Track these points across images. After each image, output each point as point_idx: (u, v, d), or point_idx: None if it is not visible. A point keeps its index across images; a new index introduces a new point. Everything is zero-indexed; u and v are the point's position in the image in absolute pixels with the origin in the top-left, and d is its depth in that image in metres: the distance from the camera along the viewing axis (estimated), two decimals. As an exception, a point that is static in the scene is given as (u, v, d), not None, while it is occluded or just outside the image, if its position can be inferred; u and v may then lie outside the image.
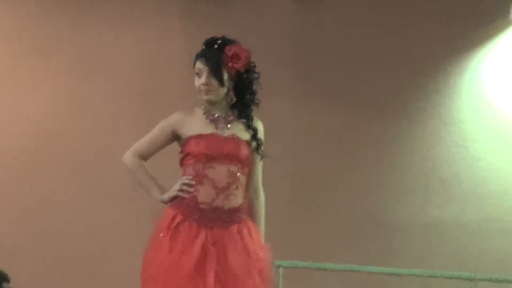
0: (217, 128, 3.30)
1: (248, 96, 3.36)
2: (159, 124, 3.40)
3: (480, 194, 6.26)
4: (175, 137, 3.35)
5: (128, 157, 3.41)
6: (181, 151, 3.34)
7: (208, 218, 3.23)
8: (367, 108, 6.48)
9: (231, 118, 3.35)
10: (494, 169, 6.42)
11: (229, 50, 3.25)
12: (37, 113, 6.47)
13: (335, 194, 6.40)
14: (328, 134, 6.46)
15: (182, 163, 3.35)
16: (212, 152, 3.24)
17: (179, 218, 3.22)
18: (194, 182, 3.23)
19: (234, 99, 3.34)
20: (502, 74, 6.68)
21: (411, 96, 6.58)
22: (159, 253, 3.19)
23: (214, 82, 3.24)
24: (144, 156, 3.40)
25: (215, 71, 3.24)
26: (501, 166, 6.39)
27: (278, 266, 5.61)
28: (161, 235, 3.23)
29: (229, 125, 3.34)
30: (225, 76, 3.27)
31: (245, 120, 3.33)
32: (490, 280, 6.00)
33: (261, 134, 3.40)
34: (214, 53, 3.24)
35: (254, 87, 3.36)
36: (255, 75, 3.34)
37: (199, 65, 3.27)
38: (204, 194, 3.23)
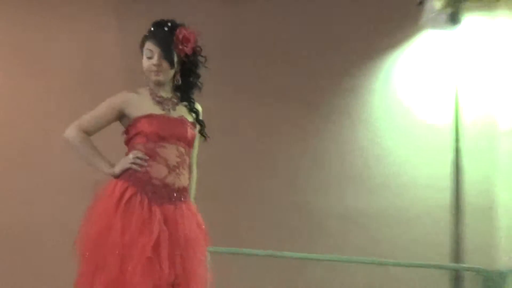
0: (163, 110, 3.33)
1: (192, 79, 3.42)
2: (104, 102, 3.37)
3: (391, 186, 6.61)
4: (120, 116, 3.35)
5: (72, 132, 3.33)
6: (128, 131, 3.35)
7: (160, 194, 3.23)
8: (289, 105, 6.70)
9: (176, 100, 3.39)
10: (403, 163, 6.74)
11: (180, 33, 3.28)
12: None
13: (258, 185, 6.57)
14: (253, 129, 6.65)
15: (129, 141, 3.36)
16: (163, 132, 3.25)
17: (131, 190, 3.20)
18: (147, 157, 3.24)
19: (180, 82, 3.37)
20: (412, 76, 6.88)
21: (328, 95, 6.79)
22: (110, 233, 3.15)
23: (165, 64, 3.27)
24: (88, 133, 3.35)
25: (167, 53, 3.26)
26: (410, 160, 6.71)
27: (202, 251, 5.84)
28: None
29: (176, 107, 3.38)
30: (175, 58, 3.31)
31: (187, 103, 3.39)
32: (399, 264, 6.39)
33: (201, 116, 3.47)
34: (166, 35, 3.27)
35: (198, 70, 3.42)
36: (201, 59, 3.40)
37: (150, 46, 3.28)
38: (157, 170, 3.24)
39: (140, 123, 3.27)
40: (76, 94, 6.48)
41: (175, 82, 3.39)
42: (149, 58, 3.29)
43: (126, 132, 3.38)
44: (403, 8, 6.72)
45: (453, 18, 6.43)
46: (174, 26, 3.31)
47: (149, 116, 3.27)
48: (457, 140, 6.62)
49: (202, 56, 3.40)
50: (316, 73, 6.74)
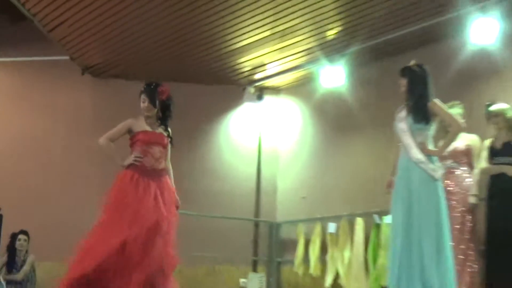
0: (152, 128, 5.16)
1: (167, 113, 5.22)
2: (120, 125, 5.15)
3: (223, 181, 9.62)
4: (128, 131, 5.10)
5: (104, 140, 5.09)
6: (132, 138, 5.10)
7: (152, 174, 5.01)
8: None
9: (158, 124, 5.19)
10: (234, 170, 9.68)
11: (160, 89, 5.13)
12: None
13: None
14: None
15: (132, 145, 5.11)
16: (151, 140, 5.10)
17: (136, 175, 4.93)
18: (143, 156, 5.01)
19: (160, 115, 5.23)
20: (238, 126, 9.89)
21: (188, 139, 9.16)
22: (125, 196, 4.81)
23: (151, 106, 5.14)
24: (112, 140, 5.10)
25: (152, 100, 5.13)
26: (238, 167, 9.68)
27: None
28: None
29: (158, 128, 5.20)
30: (157, 103, 5.12)
31: (164, 127, 5.20)
32: (224, 217, 9.13)
33: (171, 134, 5.21)
34: (152, 90, 5.13)
35: (171, 108, 5.23)
36: (171, 102, 5.21)
37: (144, 96, 5.12)
38: (148, 161, 5.04)
39: (139, 134, 5.04)
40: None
41: (158, 115, 5.19)
42: (143, 103, 5.11)
43: (131, 139, 5.13)
44: (235, 91, 9.88)
45: (259, 97, 9.98)
46: (156, 85, 5.12)
47: (144, 131, 5.08)
48: (259, 155, 9.94)
49: (171, 100, 5.18)
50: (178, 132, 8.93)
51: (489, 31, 7.39)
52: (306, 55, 8.77)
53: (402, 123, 5.40)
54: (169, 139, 5.22)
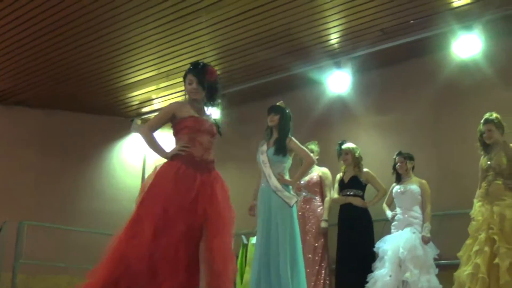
0: (199, 114, 4.23)
1: (215, 97, 4.34)
2: (161, 111, 4.33)
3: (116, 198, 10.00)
4: (172, 117, 4.20)
5: (145, 131, 4.26)
6: (177, 125, 4.19)
7: (200, 166, 4.06)
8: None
9: (204, 109, 4.31)
10: (127, 185, 9.68)
11: (208, 69, 4.25)
12: None
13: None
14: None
15: (177, 132, 4.20)
16: (201, 127, 4.16)
17: (183, 167, 4.01)
18: (189, 146, 4.07)
19: (206, 100, 4.34)
20: (129, 156, 9.98)
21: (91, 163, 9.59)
22: (166, 191, 3.89)
23: (200, 88, 4.23)
24: (152, 129, 4.24)
25: (201, 81, 4.21)
26: (129, 182, 9.69)
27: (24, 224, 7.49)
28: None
29: (205, 114, 4.30)
30: (205, 85, 4.22)
31: (209, 114, 4.35)
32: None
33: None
34: (200, 70, 4.24)
35: (219, 92, 4.37)
36: (219, 85, 4.36)
37: (191, 77, 4.25)
38: (197, 151, 4.10)
39: (185, 121, 4.13)
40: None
41: (204, 99, 4.32)
42: (189, 84, 4.24)
43: (175, 126, 4.20)
44: (124, 122, 9.90)
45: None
46: (204, 65, 4.27)
47: (192, 117, 4.16)
48: (143, 178, 9.83)
49: (219, 83, 4.35)
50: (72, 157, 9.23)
51: (343, 83, 7.96)
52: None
53: (264, 155, 5.69)
54: (217, 128, 4.38)
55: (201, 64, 4.31)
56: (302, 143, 6.06)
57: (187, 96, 4.37)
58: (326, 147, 7.67)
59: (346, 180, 7.16)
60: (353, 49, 7.60)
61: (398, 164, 6.89)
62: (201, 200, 3.95)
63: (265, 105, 5.94)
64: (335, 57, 7.79)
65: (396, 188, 6.89)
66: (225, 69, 8.18)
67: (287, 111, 5.87)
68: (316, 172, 7.22)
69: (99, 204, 9.46)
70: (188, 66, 7.38)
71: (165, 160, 4.24)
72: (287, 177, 5.75)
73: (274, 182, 5.56)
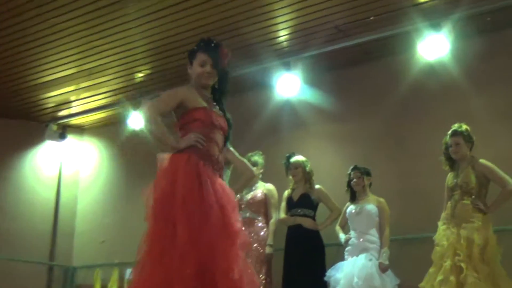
0: (209, 106, 3.87)
1: (225, 85, 3.99)
2: (166, 94, 3.85)
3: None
4: (178, 105, 3.80)
5: (150, 113, 3.73)
6: (185, 116, 3.81)
7: (216, 168, 3.79)
8: None
9: (211, 100, 3.94)
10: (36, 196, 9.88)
11: (223, 49, 3.92)
12: None
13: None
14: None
15: (186, 125, 3.81)
16: (215, 122, 3.82)
17: (201, 163, 3.66)
18: (205, 139, 3.71)
19: (217, 86, 3.97)
20: (41, 167, 9.98)
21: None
22: (186, 191, 3.52)
23: (214, 72, 3.87)
24: (160, 114, 3.77)
25: (217, 63, 3.85)
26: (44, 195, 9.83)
27: None
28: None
29: (213, 106, 3.94)
30: (220, 69, 3.88)
31: (218, 106, 3.96)
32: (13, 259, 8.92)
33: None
34: (215, 49, 3.87)
35: (228, 80, 4.00)
36: (229, 71, 3.99)
37: (204, 57, 3.85)
38: (213, 150, 3.80)
39: (197, 112, 3.78)
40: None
41: (215, 86, 3.96)
42: (201, 66, 3.85)
43: (182, 117, 3.83)
44: (36, 127, 9.84)
45: (62, 136, 10.00)
46: (218, 43, 3.91)
47: (205, 109, 3.80)
48: (57, 196, 10.01)
49: (229, 70, 3.98)
50: None
51: (293, 86, 8.03)
52: (114, 95, 8.94)
53: None
54: (229, 125, 4.04)
55: (214, 41, 3.96)
56: (244, 154, 6.00)
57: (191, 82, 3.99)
58: (272, 159, 7.60)
59: (295, 198, 7.12)
60: (304, 48, 7.61)
61: (354, 180, 6.89)
62: (219, 204, 3.67)
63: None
64: (284, 57, 7.80)
65: (351, 208, 6.89)
66: (158, 68, 8.17)
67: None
68: (260, 189, 7.17)
69: (5, 223, 9.34)
70: (114, 63, 7.93)
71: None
72: None
73: None
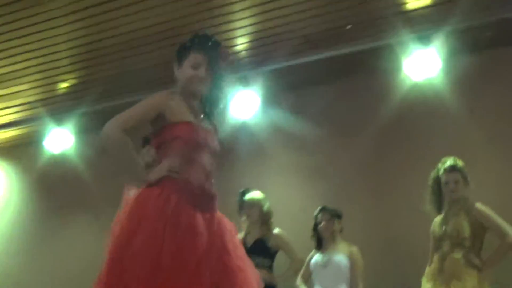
0: (196, 119, 3.62)
1: (220, 95, 3.77)
2: (142, 103, 3.57)
3: None
4: (156, 118, 3.55)
5: (113, 130, 3.44)
6: (161, 133, 3.56)
7: (200, 201, 3.44)
8: None
9: (202, 112, 3.71)
10: None
11: (223, 49, 3.72)
12: None
13: None
14: None
15: (164, 143, 3.57)
16: (201, 141, 3.55)
17: (174, 198, 3.35)
18: (184, 166, 3.48)
19: (209, 95, 3.72)
20: None
21: None
22: (155, 242, 3.28)
23: (209, 77, 3.64)
24: (127, 130, 3.47)
25: (214, 67, 3.63)
26: None
27: None
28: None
29: (203, 120, 3.70)
30: (217, 73, 3.66)
31: (208, 117, 3.75)
32: None
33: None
34: (212, 49, 3.64)
35: (225, 88, 3.79)
36: (226, 78, 3.74)
37: (198, 57, 3.63)
38: (195, 178, 3.47)
39: (178, 128, 3.53)
40: None
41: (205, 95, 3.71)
42: (194, 68, 3.63)
43: (159, 135, 3.57)
44: None
45: None
46: (217, 41, 3.69)
47: (189, 123, 3.54)
48: None
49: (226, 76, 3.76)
50: None
51: (251, 106, 8.11)
52: (30, 108, 8.76)
53: None
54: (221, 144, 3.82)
55: (213, 38, 3.71)
56: None
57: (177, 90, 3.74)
58: (223, 195, 7.17)
59: (248, 243, 6.88)
60: (265, 61, 7.58)
61: (322, 223, 6.77)
62: (207, 262, 3.36)
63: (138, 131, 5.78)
64: (241, 70, 7.68)
65: (316, 258, 6.78)
66: (85, 78, 8.01)
67: None
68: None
69: None
70: (30, 69, 7.82)
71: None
72: None
73: None
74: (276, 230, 7.07)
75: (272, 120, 8.22)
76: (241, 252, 3.60)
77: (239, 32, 7.08)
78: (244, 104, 8.02)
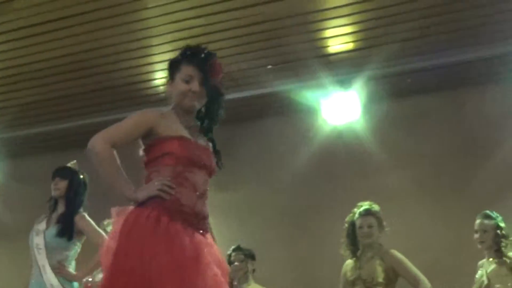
0: (191, 135, 3.41)
1: (216, 110, 3.57)
2: (131, 118, 3.37)
3: None
4: (147, 134, 3.33)
5: (101, 144, 3.24)
6: (152, 150, 3.34)
7: (190, 222, 3.26)
8: None
9: (198, 128, 3.52)
10: None
11: (216, 62, 3.49)
12: None
13: None
14: None
15: (152, 162, 3.35)
16: (194, 158, 3.33)
17: (165, 219, 3.18)
18: (174, 185, 3.24)
19: (203, 111, 3.54)
20: None
21: None
22: (150, 267, 3.08)
23: (203, 91, 3.43)
24: (115, 146, 3.28)
25: (207, 80, 3.42)
26: None
27: None
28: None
29: (199, 136, 3.50)
30: (210, 88, 3.45)
31: (205, 134, 3.56)
32: None
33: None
34: (204, 62, 3.44)
35: (222, 102, 3.57)
36: (222, 91, 3.55)
37: (191, 71, 3.42)
38: (187, 197, 3.27)
39: (170, 143, 3.31)
40: None
41: (202, 110, 3.56)
42: (186, 82, 3.43)
43: (149, 151, 3.36)
44: None
45: None
46: (210, 54, 3.48)
47: (181, 139, 3.33)
48: None
49: (221, 91, 3.56)
50: None
51: None
52: None
53: (39, 237, 5.56)
54: (216, 159, 3.57)
55: (205, 50, 3.49)
56: (99, 221, 5.88)
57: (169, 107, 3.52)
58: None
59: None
60: None
61: (235, 264, 6.72)
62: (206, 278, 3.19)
63: (56, 161, 5.82)
64: (161, 104, 7.56)
65: (225, 299, 6.61)
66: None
67: (81, 176, 5.70)
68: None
69: None
70: None
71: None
72: (72, 268, 5.58)
73: (49, 276, 5.40)
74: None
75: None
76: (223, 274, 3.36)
77: (158, 66, 7.07)
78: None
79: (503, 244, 5.81)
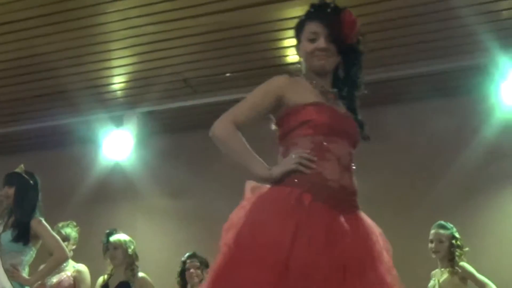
0: (327, 101, 3.00)
1: (355, 74, 3.11)
2: (257, 90, 3.01)
3: None
4: (278, 104, 2.98)
5: (220, 128, 2.96)
6: (285, 121, 2.98)
7: (338, 199, 2.84)
8: None
9: (333, 94, 3.07)
10: None
11: (346, 15, 3.03)
12: None
13: None
14: None
15: (287, 134, 2.97)
16: (336, 125, 2.93)
17: (307, 198, 2.77)
18: (315, 158, 2.84)
19: (342, 75, 3.09)
20: None
21: None
22: (291, 255, 2.66)
23: (332, 48, 3.01)
24: (240, 127, 2.96)
25: (335, 36, 3.00)
26: None
27: None
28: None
29: (336, 102, 3.05)
30: (342, 45, 3.02)
31: (345, 101, 3.10)
32: None
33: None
34: (331, 16, 3.01)
35: (361, 64, 3.10)
36: (361, 48, 3.06)
37: (314, 27, 3.02)
38: (331, 171, 2.86)
39: (306, 111, 2.94)
40: None
41: (339, 74, 3.13)
42: (313, 41, 3.04)
43: (282, 123, 3.00)
44: None
45: None
46: (338, 8, 3.05)
47: (318, 104, 2.95)
48: None
49: (362, 50, 3.09)
50: None
51: (125, 146, 8.07)
52: None
53: None
54: (362, 130, 3.12)
55: (332, 4, 3.06)
56: (54, 224, 5.92)
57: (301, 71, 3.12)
58: (89, 234, 7.28)
59: (111, 286, 6.74)
60: (141, 102, 7.72)
61: (190, 270, 6.65)
62: (350, 276, 2.73)
63: (5, 166, 5.85)
64: (116, 110, 7.69)
65: (182, 307, 6.51)
66: None
67: (31, 180, 5.66)
68: (69, 270, 6.70)
69: None
70: None
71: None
72: (25, 273, 5.52)
73: (3, 280, 5.35)
74: (140, 274, 6.86)
75: (146, 162, 8.20)
76: (387, 262, 2.88)
77: (116, 70, 7.09)
78: (117, 144, 7.99)
79: (457, 254, 5.91)
